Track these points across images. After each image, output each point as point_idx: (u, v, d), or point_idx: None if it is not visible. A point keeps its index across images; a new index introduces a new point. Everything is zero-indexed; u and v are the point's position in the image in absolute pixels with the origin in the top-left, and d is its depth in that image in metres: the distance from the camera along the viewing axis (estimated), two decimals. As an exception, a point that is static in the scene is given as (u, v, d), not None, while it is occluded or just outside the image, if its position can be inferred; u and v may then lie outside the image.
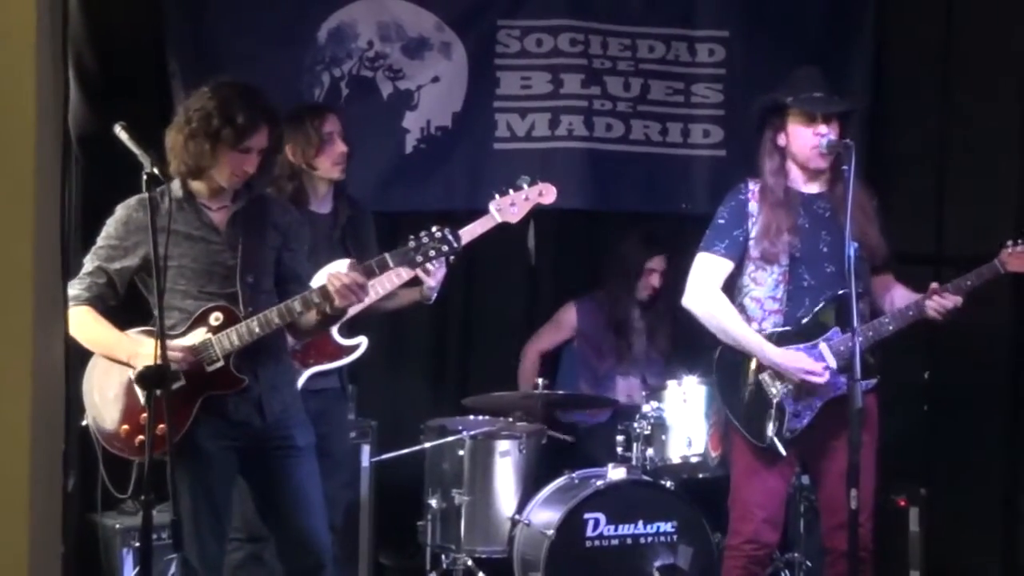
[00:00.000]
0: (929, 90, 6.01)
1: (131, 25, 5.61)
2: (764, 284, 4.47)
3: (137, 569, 4.77)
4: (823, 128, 4.41)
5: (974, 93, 5.77)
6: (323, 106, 5.06)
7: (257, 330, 3.91)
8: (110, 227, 4.02)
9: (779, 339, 4.43)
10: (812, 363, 4.36)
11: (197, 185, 4.01)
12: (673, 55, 6.35)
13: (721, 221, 4.54)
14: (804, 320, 4.43)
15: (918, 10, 6.12)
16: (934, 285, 4.43)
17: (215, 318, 3.93)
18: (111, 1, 5.39)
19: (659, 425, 5.35)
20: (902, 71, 6.25)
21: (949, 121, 5.91)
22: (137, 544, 4.76)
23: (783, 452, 4.40)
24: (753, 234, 4.47)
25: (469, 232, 4.66)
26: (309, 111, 4.98)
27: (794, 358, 4.38)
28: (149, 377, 3.53)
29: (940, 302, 4.40)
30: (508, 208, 4.62)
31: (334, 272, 3.95)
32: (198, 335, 3.92)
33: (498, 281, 6.42)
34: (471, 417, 5.62)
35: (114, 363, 3.94)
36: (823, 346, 4.41)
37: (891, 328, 4.42)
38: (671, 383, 5.43)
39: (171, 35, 5.80)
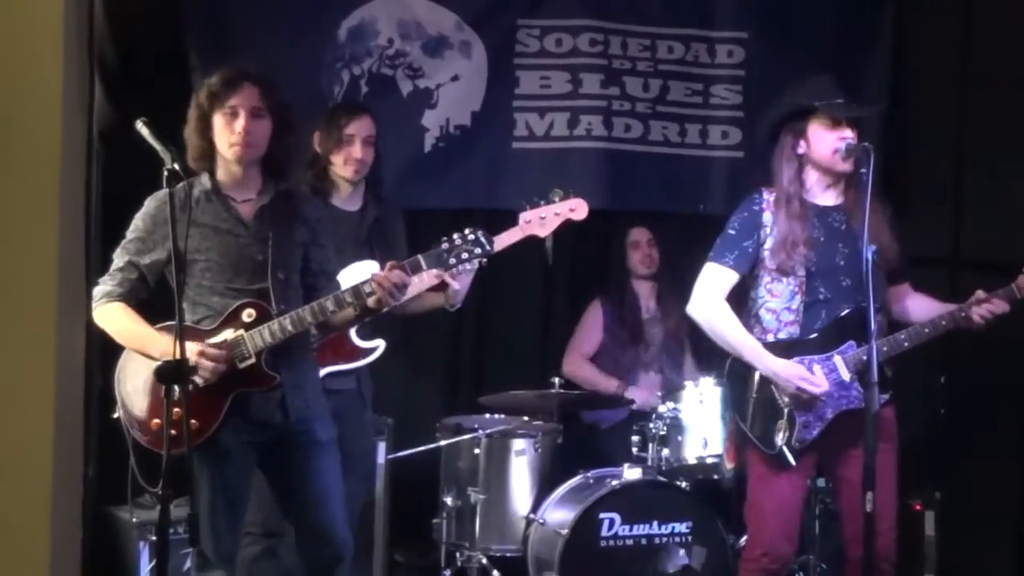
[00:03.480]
0: (947, 92, 6.01)
1: (152, 21, 5.63)
2: (780, 295, 4.46)
3: (153, 562, 4.78)
4: (848, 132, 4.40)
5: (992, 95, 5.76)
6: (357, 107, 5.04)
7: (290, 328, 3.90)
8: (139, 220, 4.00)
9: (794, 350, 4.41)
10: (809, 374, 4.35)
11: (221, 176, 4.01)
12: (692, 56, 6.37)
13: (732, 232, 4.52)
14: (819, 332, 4.42)
15: (936, 13, 6.12)
16: (980, 293, 4.42)
17: (248, 314, 3.92)
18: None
19: (675, 426, 5.36)
20: (920, 73, 6.24)
21: (967, 124, 5.91)
22: (153, 538, 4.78)
23: (792, 461, 4.38)
24: (767, 245, 4.46)
25: (497, 243, 4.64)
26: (342, 108, 5.02)
27: (791, 369, 4.37)
28: (168, 372, 3.55)
29: (989, 308, 4.39)
30: (538, 221, 4.50)
31: (379, 272, 3.95)
32: (231, 331, 3.92)
33: (515, 280, 6.41)
34: (487, 415, 5.62)
35: (147, 358, 3.92)
36: (837, 358, 4.39)
37: (906, 344, 4.40)
38: (688, 384, 5.46)
39: (191, 31, 5.83)
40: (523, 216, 4.52)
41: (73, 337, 2.37)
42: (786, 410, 4.39)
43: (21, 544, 2.25)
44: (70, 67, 2.24)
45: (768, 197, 4.50)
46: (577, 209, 4.55)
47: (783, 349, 4.42)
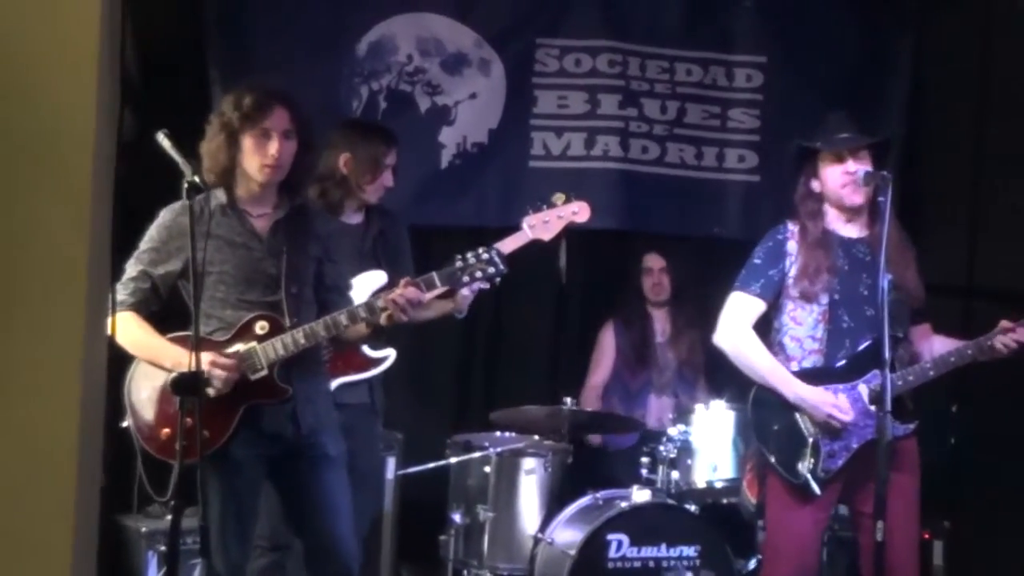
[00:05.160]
0: (964, 121, 6.01)
1: (174, 32, 5.66)
2: (804, 323, 4.45)
3: (162, 572, 4.78)
4: (852, 165, 4.40)
5: (1010, 124, 5.75)
6: (392, 136, 5.02)
7: (303, 341, 3.91)
8: (153, 231, 4.01)
9: (819, 379, 4.39)
10: (838, 401, 4.35)
11: (239, 191, 4.02)
12: (711, 79, 6.39)
13: (757, 261, 4.53)
14: (844, 361, 4.40)
15: (955, 42, 6.13)
16: (1005, 323, 4.41)
17: (261, 327, 3.92)
18: (154, 10, 5.43)
19: (685, 449, 5.36)
20: (938, 101, 6.25)
21: (984, 152, 5.90)
22: (162, 547, 4.78)
23: (817, 491, 4.35)
24: (792, 273, 4.46)
25: (501, 247, 4.65)
26: (379, 136, 4.98)
27: (820, 396, 4.36)
28: (183, 384, 3.55)
29: (1015, 337, 4.38)
30: (541, 225, 4.50)
31: (394, 289, 3.96)
32: (243, 344, 3.92)
33: (528, 299, 6.42)
34: (497, 433, 5.62)
35: (157, 368, 3.94)
36: (862, 387, 4.37)
37: (932, 374, 4.38)
38: (699, 407, 5.45)
39: (211, 44, 5.86)
40: (526, 220, 4.51)
41: (97, 347, 2.38)
42: (811, 439, 4.37)
43: (43, 551, 2.26)
44: (103, 84, 2.25)
45: (793, 228, 4.51)
46: (580, 212, 4.54)
47: (808, 378, 4.40)
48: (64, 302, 2.16)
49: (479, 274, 4.00)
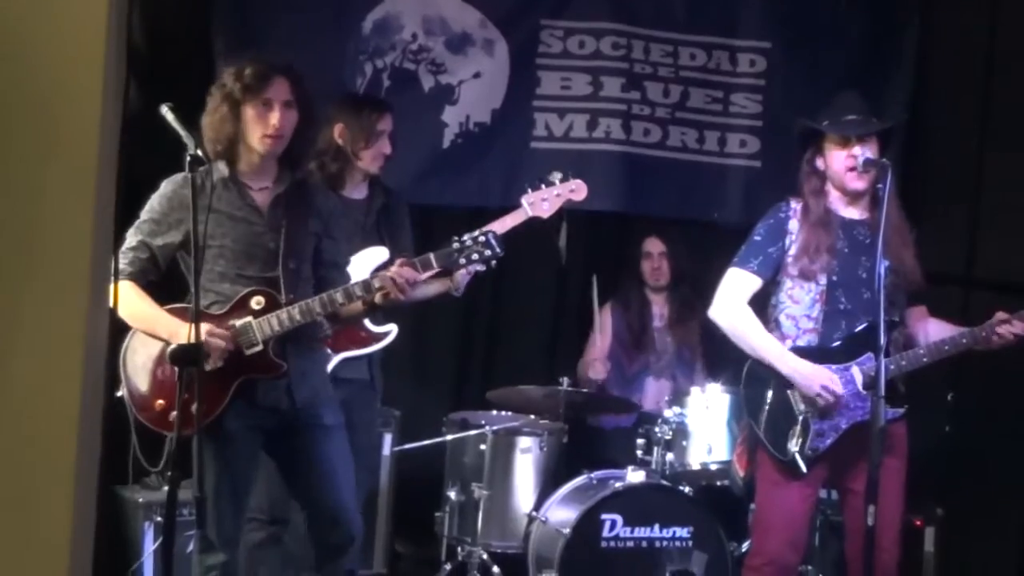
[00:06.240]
0: (967, 110, 6.01)
1: (179, 7, 5.65)
2: (801, 302, 4.47)
3: (158, 542, 4.81)
4: (857, 150, 4.40)
5: (1013, 113, 5.76)
6: (383, 103, 5.08)
7: (298, 317, 3.92)
8: (154, 202, 4.02)
9: (812, 358, 4.41)
10: (830, 377, 4.37)
11: (240, 164, 4.02)
12: (714, 63, 6.39)
13: (757, 238, 4.54)
14: (838, 342, 4.43)
15: (960, 30, 6.12)
16: (1001, 314, 4.42)
17: (257, 302, 3.93)
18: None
19: (680, 431, 5.38)
20: (941, 89, 6.25)
21: (987, 142, 5.90)
22: (159, 518, 4.82)
23: (804, 469, 4.38)
24: (792, 251, 4.48)
25: (500, 224, 4.67)
26: (370, 104, 5.03)
27: (813, 371, 4.38)
28: (182, 355, 3.57)
29: (1010, 329, 4.40)
30: (540, 203, 4.61)
31: (390, 269, 3.98)
32: (239, 318, 3.93)
33: (528, 279, 6.45)
34: (494, 412, 5.64)
35: (153, 339, 3.95)
36: (855, 369, 4.40)
37: (925, 360, 4.41)
38: (694, 389, 5.48)
39: (218, 18, 5.87)
40: (525, 199, 4.62)
41: (100, 318, 2.40)
42: (801, 417, 4.40)
43: (43, 521, 2.28)
44: (109, 58, 2.26)
45: (795, 206, 4.52)
46: (577, 190, 4.66)
47: (802, 356, 4.43)
48: (68, 272, 2.18)
49: (476, 256, 4.02)
